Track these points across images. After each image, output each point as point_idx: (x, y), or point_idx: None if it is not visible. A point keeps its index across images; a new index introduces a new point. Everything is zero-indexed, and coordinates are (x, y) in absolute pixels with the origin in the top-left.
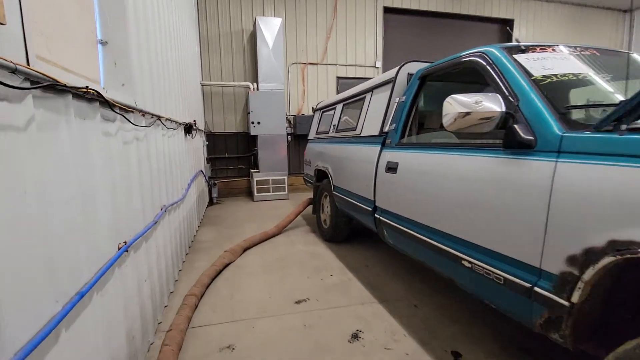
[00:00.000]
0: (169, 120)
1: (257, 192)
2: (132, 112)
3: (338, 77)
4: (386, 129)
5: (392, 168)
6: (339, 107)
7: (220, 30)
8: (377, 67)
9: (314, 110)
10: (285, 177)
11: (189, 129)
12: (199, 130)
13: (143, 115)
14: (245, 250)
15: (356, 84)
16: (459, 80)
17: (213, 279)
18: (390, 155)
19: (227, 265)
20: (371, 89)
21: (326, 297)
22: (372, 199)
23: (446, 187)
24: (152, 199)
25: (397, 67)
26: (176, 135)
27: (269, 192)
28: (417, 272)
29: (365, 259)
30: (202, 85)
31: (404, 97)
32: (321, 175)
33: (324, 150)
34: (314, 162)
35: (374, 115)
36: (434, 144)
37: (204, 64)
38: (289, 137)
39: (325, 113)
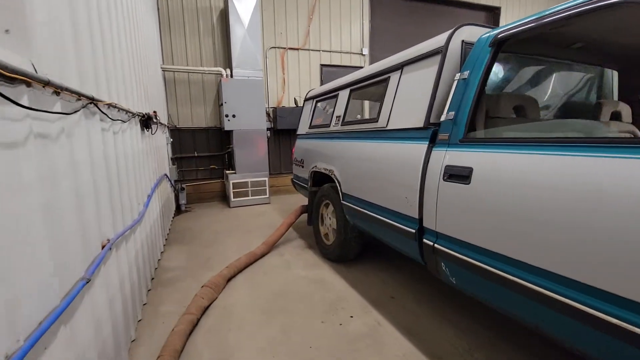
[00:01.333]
0: (115, 107)
1: (233, 197)
2: (27, 83)
3: (322, 65)
4: (441, 118)
5: (459, 176)
6: (344, 93)
7: (184, 5)
8: (364, 55)
9: (305, 100)
10: (266, 179)
11: (146, 121)
12: (161, 124)
13: (57, 93)
14: (229, 280)
15: (342, 74)
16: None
17: (189, 336)
18: (452, 156)
19: (207, 308)
20: (400, 66)
21: (355, 359)
22: (417, 217)
23: (585, 210)
24: (83, 239)
25: (448, 32)
26: (129, 130)
27: (248, 196)
28: (459, 303)
29: (385, 286)
30: (164, 70)
31: (467, 74)
32: (320, 178)
33: (326, 149)
34: (309, 162)
35: (408, 101)
36: (551, 140)
37: (165, 45)
38: (269, 132)
39: (321, 102)
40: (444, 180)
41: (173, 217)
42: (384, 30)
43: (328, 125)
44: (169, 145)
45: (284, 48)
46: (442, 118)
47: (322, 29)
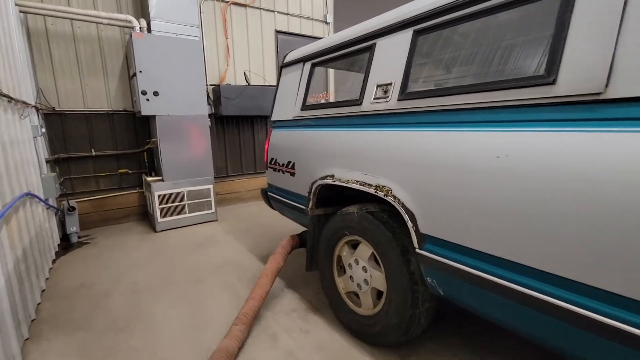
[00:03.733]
0: None
1: (161, 217)
2: None
3: (277, 32)
4: None
5: None
6: (397, 39)
7: None
8: (328, 23)
9: (285, 66)
10: (211, 187)
11: None
12: (16, 103)
13: None
14: None
15: (303, 44)
16: None
17: None
18: None
19: None
20: None
21: None
22: None
23: None
24: None
25: None
26: None
27: (184, 212)
28: None
29: None
30: (23, 11)
31: None
32: (328, 194)
33: (360, 145)
34: (309, 167)
35: None
36: None
37: None
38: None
39: (324, 65)
40: None
41: (54, 260)
42: None
43: (357, 103)
44: (40, 139)
45: (226, 1)
46: None
47: None
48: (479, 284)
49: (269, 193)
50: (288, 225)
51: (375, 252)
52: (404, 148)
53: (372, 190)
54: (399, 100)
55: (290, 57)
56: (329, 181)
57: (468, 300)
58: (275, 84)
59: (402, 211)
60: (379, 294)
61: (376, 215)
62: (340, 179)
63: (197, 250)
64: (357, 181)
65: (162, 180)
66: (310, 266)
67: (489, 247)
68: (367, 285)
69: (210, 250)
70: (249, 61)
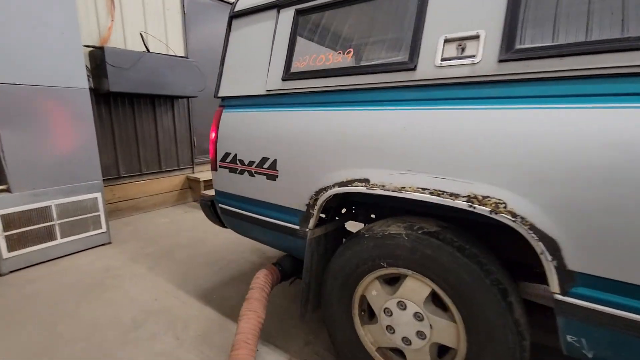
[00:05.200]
0: None
1: (9, 249)
2: None
3: None
4: None
5: None
6: None
7: None
8: None
9: (237, 16)
10: (99, 196)
11: None
12: None
13: None
14: None
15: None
16: None
17: None
18: None
19: None
20: None
21: None
22: None
23: None
24: None
25: None
26: None
27: (54, 239)
28: None
29: None
30: None
31: None
32: (338, 204)
33: (444, 134)
34: (303, 168)
35: None
36: None
37: None
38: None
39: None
40: None
41: None
42: None
43: (407, 67)
44: None
45: None
46: None
47: None
48: None
49: (220, 205)
50: (224, 241)
51: (442, 292)
52: (530, 135)
53: (462, 203)
54: (501, 61)
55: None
56: (359, 189)
57: None
58: (183, 55)
59: (533, 237)
60: (441, 351)
61: (444, 239)
62: (384, 186)
63: (88, 298)
64: (424, 189)
65: (7, 190)
66: (306, 312)
67: None
68: (424, 339)
69: (112, 295)
70: (145, 21)
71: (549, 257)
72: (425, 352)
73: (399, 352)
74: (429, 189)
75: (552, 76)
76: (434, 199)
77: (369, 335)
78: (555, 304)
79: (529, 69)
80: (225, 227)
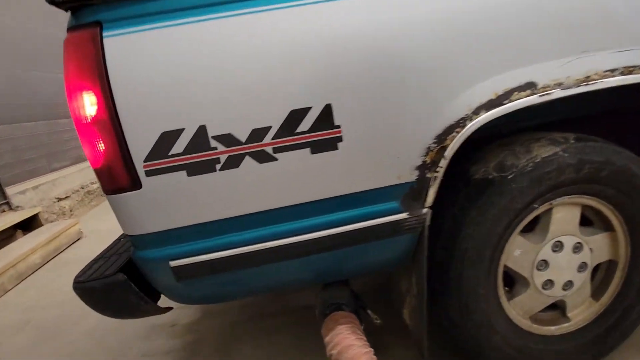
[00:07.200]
0: None
1: None
2: None
3: None
4: None
5: None
6: None
7: None
8: None
9: None
10: None
11: None
12: None
13: None
14: None
15: None
16: None
17: None
18: None
19: None
20: None
21: None
22: None
23: None
24: None
25: None
26: None
27: None
28: None
29: None
30: None
31: None
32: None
33: None
34: (409, 95)
35: None
36: None
37: None
38: None
39: None
40: None
41: None
42: None
43: None
44: None
45: None
46: None
47: None
48: None
49: (172, 263)
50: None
51: (601, 204)
52: None
53: None
54: None
55: None
56: (522, 101)
57: None
58: None
59: None
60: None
61: (597, 139)
62: (561, 84)
63: None
64: (613, 71)
65: None
66: (425, 351)
67: None
68: (584, 271)
69: None
70: None
71: None
72: (587, 285)
73: (554, 309)
74: (617, 69)
75: None
76: (630, 79)
77: (518, 310)
78: None
79: None
80: (163, 313)
